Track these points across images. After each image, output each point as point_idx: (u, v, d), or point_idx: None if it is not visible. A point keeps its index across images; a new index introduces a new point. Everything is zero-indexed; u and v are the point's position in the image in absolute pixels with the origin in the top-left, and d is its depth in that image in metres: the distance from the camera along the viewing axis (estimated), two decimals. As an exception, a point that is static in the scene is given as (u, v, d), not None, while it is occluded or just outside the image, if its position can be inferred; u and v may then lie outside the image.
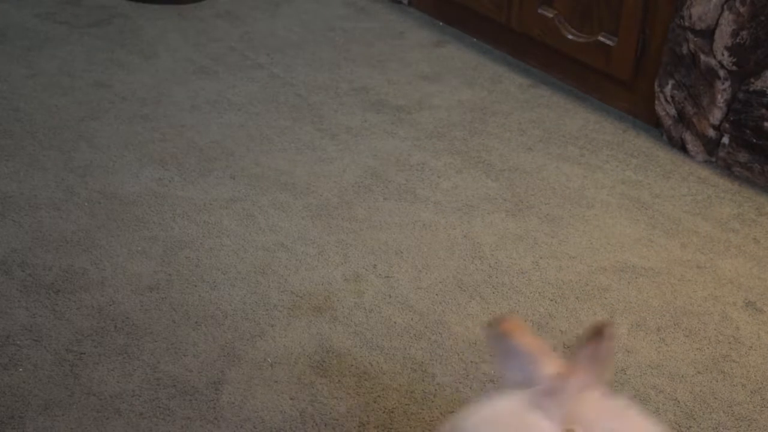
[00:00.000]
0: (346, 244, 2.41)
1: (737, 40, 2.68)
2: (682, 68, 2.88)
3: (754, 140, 2.74)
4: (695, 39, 2.80)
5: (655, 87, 3.00)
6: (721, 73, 2.75)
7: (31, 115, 2.91)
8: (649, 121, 3.07)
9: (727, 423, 1.94)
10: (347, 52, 3.50)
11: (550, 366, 1.29)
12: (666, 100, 2.96)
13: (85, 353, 2.00)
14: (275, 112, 3.04)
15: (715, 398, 2.00)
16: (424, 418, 1.89)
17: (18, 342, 2.02)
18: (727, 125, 2.79)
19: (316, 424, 1.87)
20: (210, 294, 2.20)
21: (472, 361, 2.05)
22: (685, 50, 2.85)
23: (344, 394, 1.94)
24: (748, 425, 1.94)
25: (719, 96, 2.77)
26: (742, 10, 2.63)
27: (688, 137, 2.92)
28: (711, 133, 2.84)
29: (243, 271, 2.29)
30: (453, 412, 1.91)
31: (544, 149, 2.92)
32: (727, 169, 2.85)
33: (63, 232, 2.38)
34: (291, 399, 1.92)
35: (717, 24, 2.72)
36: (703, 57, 2.79)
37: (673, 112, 2.95)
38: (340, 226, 2.48)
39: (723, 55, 2.73)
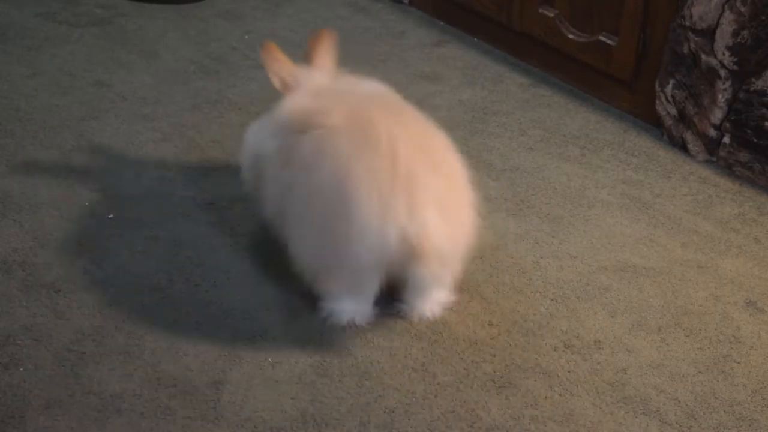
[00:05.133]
0: (346, 244, 2.40)
1: (738, 40, 2.68)
2: (683, 68, 2.88)
3: (755, 140, 2.74)
4: (696, 39, 2.80)
5: (656, 87, 3.00)
6: (722, 72, 2.75)
7: (31, 115, 2.91)
8: (649, 120, 3.07)
9: (728, 423, 1.94)
10: (347, 52, 3.49)
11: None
12: (667, 100, 2.96)
13: (85, 353, 2.00)
14: (276, 112, 3.03)
15: (716, 398, 2.00)
16: (424, 418, 1.89)
17: (18, 341, 2.02)
18: (727, 125, 2.79)
19: (317, 424, 1.87)
20: (210, 294, 2.20)
21: (472, 361, 2.05)
22: (685, 50, 2.85)
23: (345, 394, 1.94)
24: (749, 425, 1.94)
25: (720, 96, 2.77)
26: (742, 9, 2.63)
27: (688, 137, 2.92)
28: (712, 132, 2.84)
29: (243, 270, 2.28)
30: (454, 411, 1.91)
31: (545, 149, 2.92)
32: (728, 168, 2.84)
33: (63, 231, 2.38)
34: (292, 399, 1.92)
35: (718, 24, 2.72)
36: (703, 57, 2.79)
37: (673, 111, 2.95)
38: (341, 226, 2.47)
39: (724, 54, 2.73)
